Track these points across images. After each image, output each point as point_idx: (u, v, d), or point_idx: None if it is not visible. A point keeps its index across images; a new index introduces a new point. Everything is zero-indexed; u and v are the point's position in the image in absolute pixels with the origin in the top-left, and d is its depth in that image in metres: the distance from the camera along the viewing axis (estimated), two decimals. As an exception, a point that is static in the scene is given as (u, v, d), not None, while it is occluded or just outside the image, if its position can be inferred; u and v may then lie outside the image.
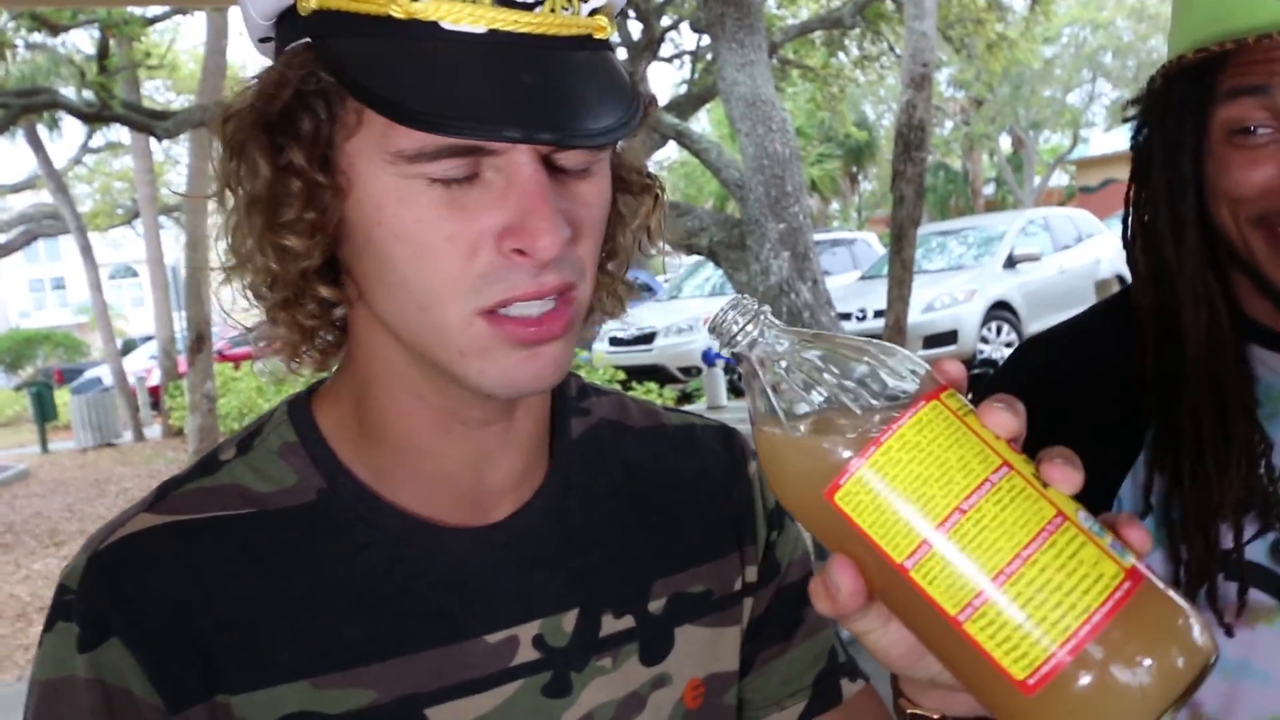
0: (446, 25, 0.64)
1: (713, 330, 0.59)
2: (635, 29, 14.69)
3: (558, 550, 0.79)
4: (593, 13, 0.69)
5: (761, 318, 0.58)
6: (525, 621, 0.77)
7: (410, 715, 0.73)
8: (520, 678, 0.76)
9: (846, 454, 0.54)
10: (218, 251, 0.73)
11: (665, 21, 14.96)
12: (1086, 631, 0.51)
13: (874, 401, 0.55)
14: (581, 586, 0.79)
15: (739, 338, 0.58)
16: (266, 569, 0.73)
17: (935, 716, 0.65)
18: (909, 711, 0.66)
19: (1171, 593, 0.54)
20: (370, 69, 0.64)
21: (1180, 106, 1.02)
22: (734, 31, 7.59)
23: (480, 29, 0.64)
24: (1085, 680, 0.51)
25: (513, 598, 0.77)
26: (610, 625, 0.79)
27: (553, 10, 0.66)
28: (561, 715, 0.77)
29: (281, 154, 0.67)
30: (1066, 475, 0.54)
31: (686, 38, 16.02)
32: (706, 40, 11.26)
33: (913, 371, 0.56)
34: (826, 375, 0.56)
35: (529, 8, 0.65)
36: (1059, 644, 0.51)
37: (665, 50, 15.85)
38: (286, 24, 0.69)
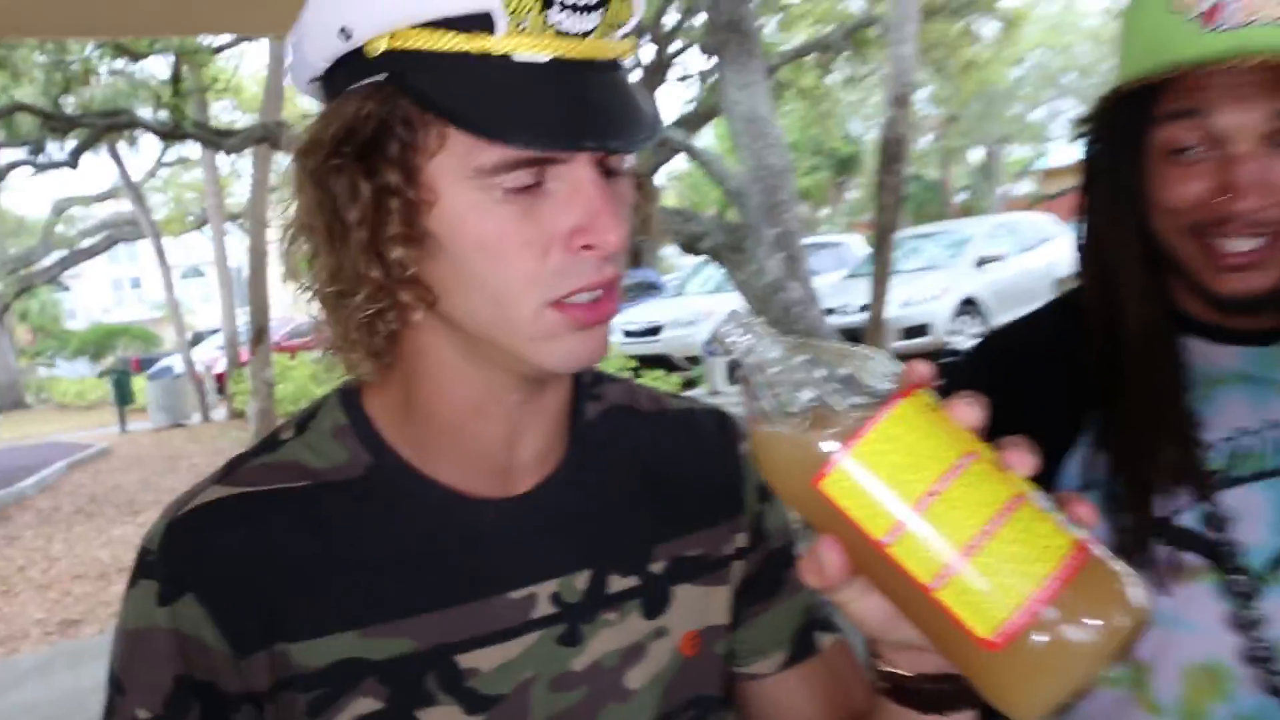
0: (517, 57, 0.65)
1: (714, 340, 0.60)
2: (648, 53, 14.65)
3: (573, 518, 0.80)
4: (622, 37, 0.70)
5: (756, 328, 0.59)
6: (544, 580, 0.77)
7: (443, 662, 0.74)
8: (539, 629, 0.77)
9: (831, 447, 0.54)
10: (297, 262, 0.73)
11: (675, 46, 14.92)
12: (1042, 596, 0.52)
13: (855, 400, 0.55)
14: (592, 550, 0.80)
15: (736, 346, 0.59)
16: (321, 534, 0.74)
17: (908, 674, 0.65)
18: (885, 671, 0.67)
19: (1114, 561, 0.54)
20: (456, 99, 0.65)
21: (1123, 128, 1.02)
22: (736, 56, 7.57)
23: (545, 57, 0.66)
24: (1041, 638, 0.52)
25: (533, 560, 0.78)
26: (617, 584, 0.80)
27: (598, 37, 0.68)
28: (572, 662, 0.77)
29: (376, 177, 0.68)
30: (1024, 460, 0.55)
31: (693, 61, 15.99)
32: (712, 63, 11.22)
33: (889, 373, 0.57)
34: (814, 377, 0.56)
35: (583, 36, 0.67)
36: (1018, 608, 0.52)
37: (675, 72, 15.82)
38: (350, 65, 0.69)
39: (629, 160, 0.73)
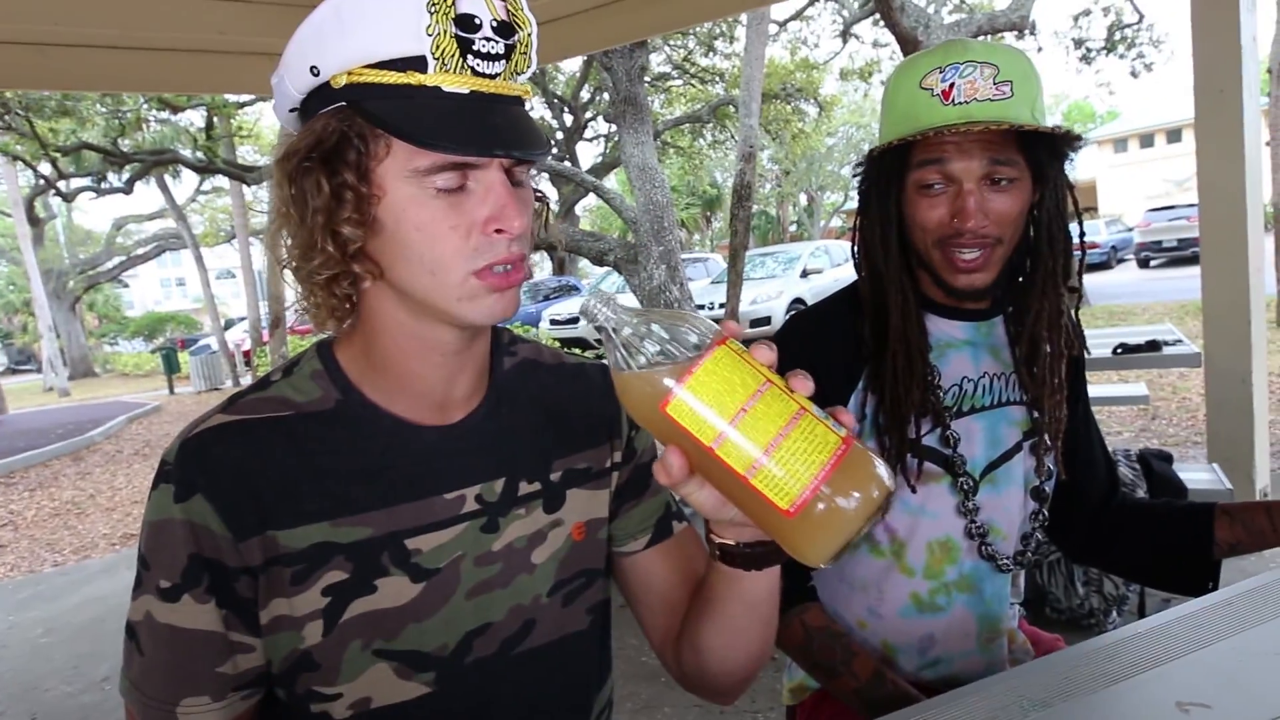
0: (445, 89, 0.64)
1: (583, 313, 0.59)
2: (569, 119, 14.49)
3: (493, 440, 0.78)
4: (523, 81, 0.70)
5: (613, 302, 0.59)
6: (471, 485, 0.76)
7: (395, 544, 0.72)
8: (467, 520, 0.75)
9: (671, 383, 0.55)
10: (284, 248, 0.70)
11: (588, 115, 14.78)
12: (821, 476, 0.52)
13: (686, 349, 0.56)
14: (507, 463, 0.78)
15: (599, 316, 0.58)
16: (301, 450, 0.71)
17: (733, 543, 0.66)
18: (717, 542, 0.67)
19: (871, 453, 0.55)
20: (400, 119, 0.63)
21: (888, 170, 1.04)
22: (632, 122, 7.55)
23: (465, 90, 0.65)
24: (821, 506, 0.52)
25: (463, 470, 0.76)
26: (525, 488, 0.79)
27: (504, 79, 0.67)
28: (492, 544, 0.76)
29: (336, 176, 0.65)
30: (803, 384, 0.56)
31: (601, 126, 15.85)
32: (614, 128, 11.16)
33: (708, 330, 0.57)
34: (656, 334, 0.57)
35: (493, 78, 0.66)
36: (805, 486, 0.52)
37: (588, 133, 15.67)
38: (318, 95, 0.67)
39: (530, 174, 0.72)
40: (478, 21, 0.64)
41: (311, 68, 0.65)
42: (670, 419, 0.55)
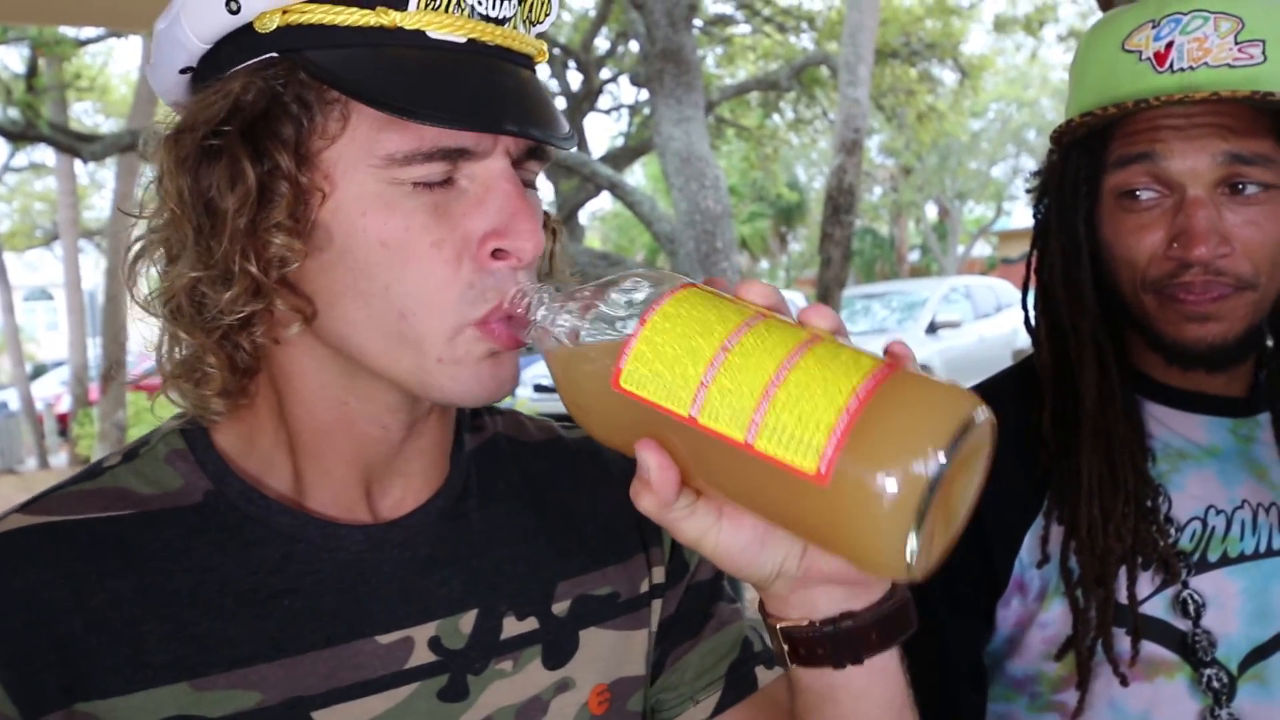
0: (432, 34, 0.67)
1: (513, 310, 0.65)
2: (575, 80, 14.78)
3: (456, 550, 0.79)
4: (536, 36, 0.73)
5: (543, 290, 0.65)
6: (421, 622, 0.76)
7: (297, 719, 0.71)
8: (415, 680, 0.75)
9: (619, 342, 0.59)
10: (145, 277, 0.72)
11: (605, 74, 15.06)
12: (854, 406, 0.53)
13: (641, 300, 0.60)
14: (481, 587, 0.79)
15: (538, 315, 0.64)
16: (146, 569, 0.72)
17: (804, 623, 0.65)
18: (780, 628, 0.67)
19: (934, 377, 0.56)
20: (365, 75, 0.66)
21: (1074, 174, 1.06)
22: (672, 88, 7.67)
23: (461, 38, 0.68)
24: (865, 451, 0.53)
25: (408, 597, 0.76)
26: (512, 627, 0.79)
27: (514, 27, 0.70)
28: (458, 719, 0.76)
29: (263, 159, 0.67)
30: (820, 314, 0.58)
31: (625, 91, 16.16)
32: (645, 95, 11.34)
33: (670, 278, 0.61)
34: (597, 300, 0.61)
35: (500, 23, 0.69)
36: (833, 427, 0.53)
37: (603, 102, 15.96)
38: (235, 43, 0.69)
39: (539, 177, 0.75)
40: None
41: (228, 3, 0.68)
42: (631, 396, 0.58)
